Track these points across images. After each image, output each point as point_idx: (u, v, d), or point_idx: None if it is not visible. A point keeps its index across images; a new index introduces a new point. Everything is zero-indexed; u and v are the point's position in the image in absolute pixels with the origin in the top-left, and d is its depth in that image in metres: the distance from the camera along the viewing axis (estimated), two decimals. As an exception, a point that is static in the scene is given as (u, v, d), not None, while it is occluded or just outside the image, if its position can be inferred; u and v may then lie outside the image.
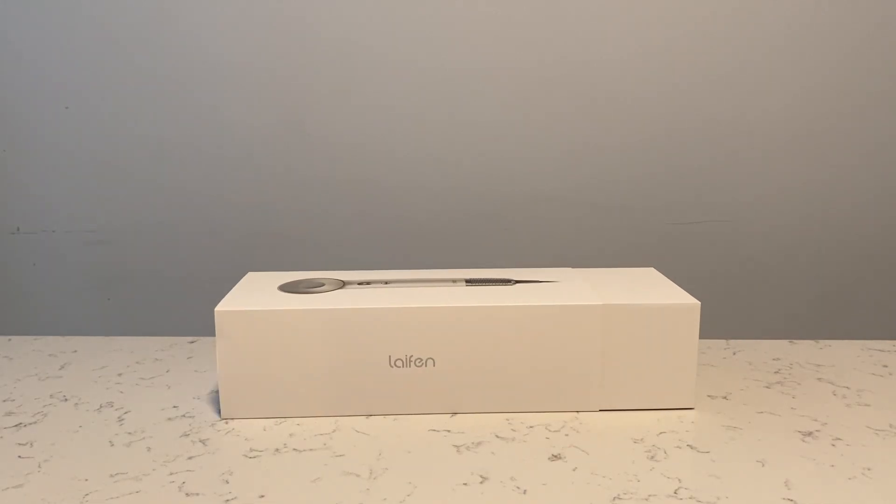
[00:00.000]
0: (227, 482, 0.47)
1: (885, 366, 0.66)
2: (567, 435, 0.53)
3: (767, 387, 0.61)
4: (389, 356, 0.55)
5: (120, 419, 0.56)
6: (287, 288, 0.60)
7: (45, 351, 0.70)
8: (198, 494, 0.45)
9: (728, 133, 0.88)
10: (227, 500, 0.45)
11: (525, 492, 0.46)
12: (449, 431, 0.54)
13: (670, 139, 0.88)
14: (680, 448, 0.51)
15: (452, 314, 0.55)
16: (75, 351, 0.70)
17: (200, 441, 0.52)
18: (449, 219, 0.91)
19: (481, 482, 0.47)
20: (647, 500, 0.45)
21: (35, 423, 0.55)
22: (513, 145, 0.89)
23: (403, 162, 0.90)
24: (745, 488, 0.46)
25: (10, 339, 0.73)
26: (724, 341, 0.71)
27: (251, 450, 0.51)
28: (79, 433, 0.54)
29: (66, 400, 0.59)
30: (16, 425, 0.55)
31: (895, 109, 0.87)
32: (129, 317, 0.94)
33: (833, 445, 0.51)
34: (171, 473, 0.48)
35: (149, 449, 0.51)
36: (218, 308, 0.55)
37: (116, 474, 0.48)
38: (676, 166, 0.89)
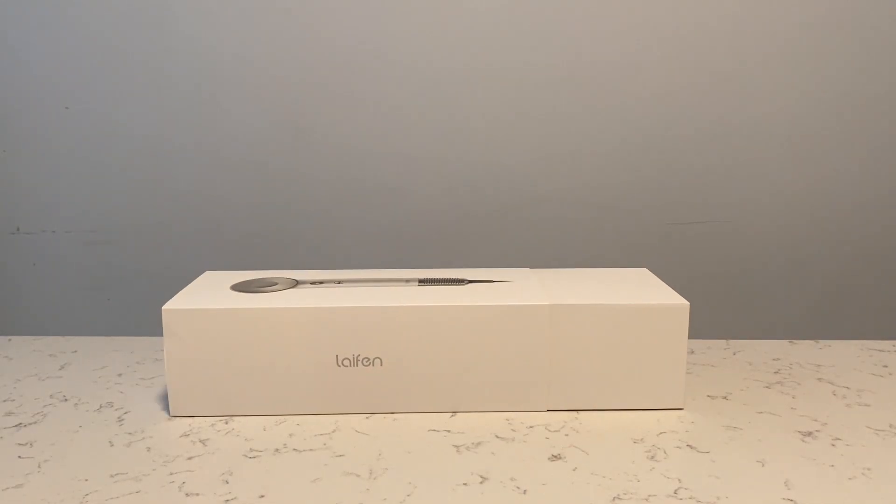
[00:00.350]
0: (227, 482, 0.47)
1: (885, 366, 0.66)
2: (567, 435, 0.53)
3: (767, 387, 0.61)
4: (336, 356, 0.55)
5: (120, 419, 0.56)
6: (239, 287, 0.60)
7: (45, 351, 0.70)
8: (198, 494, 0.45)
9: (728, 133, 0.88)
10: (227, 500, 0.45)
11: (525, 492, 0.46)
12: (449, 431, 0.54)
13: (670, 139, 0.88)
14: (680, 448, 0.51)
15: (399, 314, 0.55)
16: (75, 351, 0.70)
17: (200, 441, 0.52)
18: (448, 219, 0.91)
19: (481, 482, 0.47)
20: (647, 500, 0.45)
21: (35, 423, 0.55)
22: (511, 146, 0.89)
23: (401, 162, 0.90)
24: (745, 488, 0.46)
25: (10, 339, 0.73)
26: (724, 341, 0.71)
27: (251, 450, 0.51)
28: (79, 433, 0.54)
29: (66, 400, 0.59)
30: (16, 425, 0.55)
31: (894, 110, 0.87)
32: (130, 317, 0.94)
33: (833, 445, 0.51)
34: (171, 473, 0.48)
35: (149, 449, 0.51)
36: (165, 307, 0.55)
37: (116, 474, 0.48)
38: (676, 166, 0.89)
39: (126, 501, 0.45)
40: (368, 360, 0.55)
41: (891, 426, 0.54)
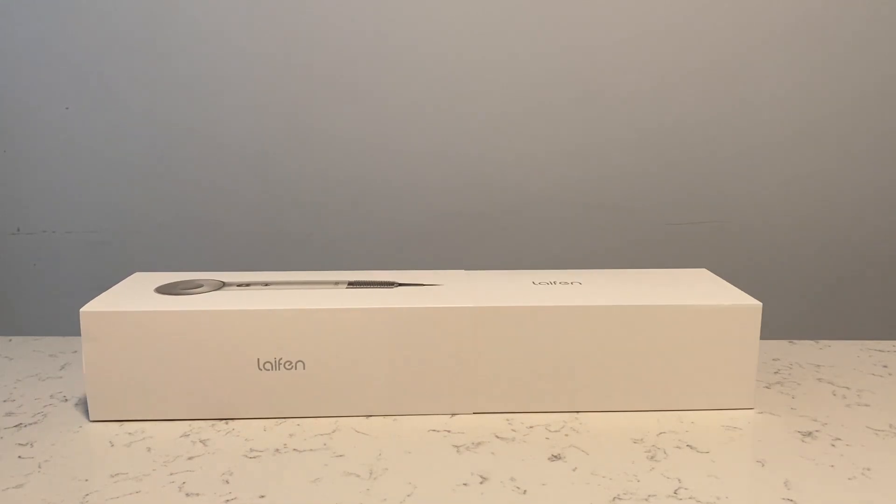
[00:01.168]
0: (228, 482, 0.47)
1: (885, 366, 0.66)
2: (567, 435, 0.53)
3: (767, 387, 0.61)
4: (258, 359, 0.54)
5: (120, 419, 0.56)
6: (163, 289, 0.59)
7: (45, 351, 0.70)
8: (198, 495, 0.45)
9: (728, 133, 0.88)
10: (228, 501, 0.45)
11: (525, 492, 0.46)
12: (449, 432, 0.54)
13: (669, 139, 0.88)
14: (680, 448, 0.51)
15: (321, 316, 0.54)
16: (75, 351, 0.70)
17: (200, 441, 0.52)
18: (448, 219, 0.91)
19: (481, 482, 0.47)
20: (647, 500, 0.45)
21: (35, 423, 0.55)
22: (511, 145, 0.89)
23: (401, 162, 0.90)
24: (745, 488, 0.46)
25: (10, 340, 0.73)
26: (723, 341, 0.71)
27: (251, 450, 0.51)
28: (79, 433, 0.54)
29: (66, 400, 0.59)
30: (16, 425, 0.55)
31: (894, 108, 0.87)
32: (129, 317, 0.94)
33: (833, 445, 0.51)
34: (172, 474, 0.48)
35: (149, 449, 0.51)
36: (83, 309, 0.54)
37: (116, 474, 0.48)
38: (676, 166, 0.89)
39: (126, 501, 0.45)
40: (290, 363, 0.54)
41: (891, 426, 0.54)
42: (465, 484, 0.46)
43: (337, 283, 0.60)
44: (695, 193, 0.89)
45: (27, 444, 0.52)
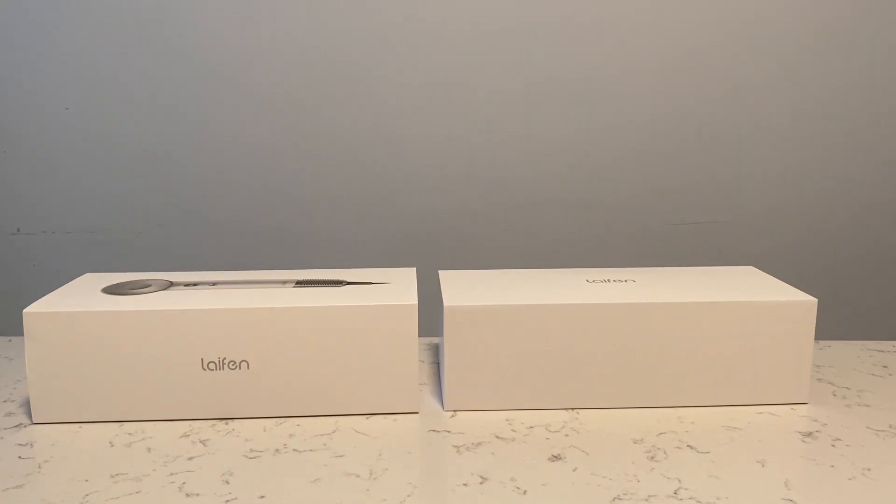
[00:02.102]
0: (228, 482, 0.47)
1: (885, 366, 0.66)
2: (567, 435, 0.53)
3: (767, 387, 0.61)
4: (202, 359, 0.54)
5: (120, 420, 0.56)
6: (110, 290, 0.58)
7: (46, 351, 0.70)
8: (198, 495, 0.45)
9: (728, 133, 0.88)
10: (228, 501, 0.45)
11: (525, 492, 0.46)
12: (449, 432, 0.54)
13: (669, 140, 0.88)
14: (680, 448, 0.51)
15: (265, 316, 0.54)
16: (75, 351, 0.70)
17: (200, 441, 0.52)
18: (450, 219, 0.91)
19: (481, 482, 0.47)
20: (647, 500, 0.45)
21: (35, 423, 0.55)
22: (512, 146, 0.89)
23: (401, 162, 0.90)
24: (745, 489, 0.46)
25: (10, 340, 0.74)
26: (723, 341, 0.71)
27: (251, 450, 0.51)
28: (79, 433, 0.54)
29: (66, 400, 0.59)
30: (16, 426, 0.55)
31: (893, 111, 0.87)
32: (129, 317, 0.94)
33: (833, 446, 0.51)
34: (172, 474, 0.48)
35: (149, 449, 0.51)
36: (27, 310, 0.54)
37: (116, 475, 0.48)
38: (675, 167, 0.89)
39: (126, 502, 0.45)
40: (234, 363, 0.54)
41: (891, 426, 0.54)
42: (465, 484, 0.46)
43: (285, 282, 0.60)
44: (695, 193, 0.89)
45: (27, 444, 0.52)
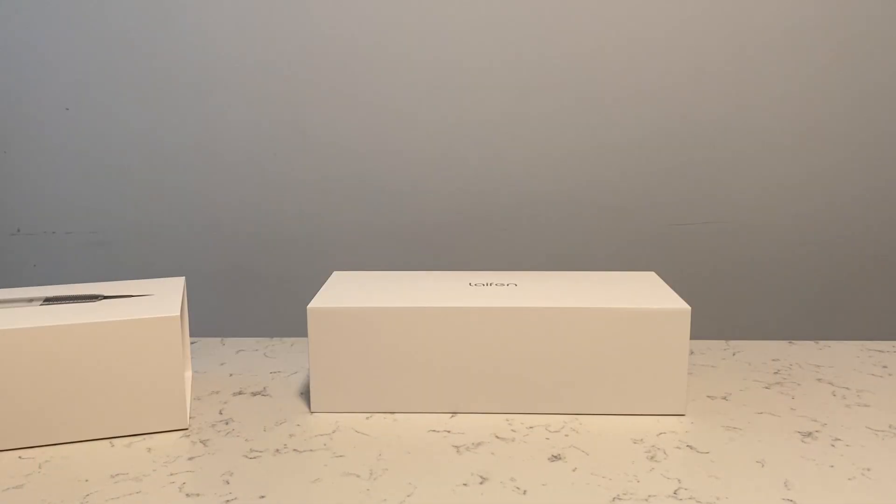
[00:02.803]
0: (228, 483, 0.47)
1: (885, 366, 0.66)
2: (567, 435, 0.53)
3: (767, 387, 0.61)
4: None
5: (120, 420, 0.56)
6: None
7: (46, 351, 0.70)
8: (198, 495, 0.45)
9: (728, 134, 0.88)
10: (228, 501, 0.45)
11: (525, 492, 0.46)
12: (449, 432, 0.54)
13: (670, 140, 0.88)
14: (679, 448, 0.51)
15: (8, 339, 0.50)
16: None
17: (201, 442, 0.52)
18: (449, 220, 0.91)
19: (481, 482, 0.47)
20: (646, 500, 0.45)
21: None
22: (512, 147, 0.89)
23: (401, 163, 0.90)
24: (745, 489, 0.46)
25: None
26: (723, 342, 0.71)
27: (251, 450, 0.51)
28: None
29: (66, 400, 0.59)
30: (16, 426, 0.55)
31: (893, 109, 0.87)
32: (129, 317, 0.94)
33: (833, 446, 0.51)
34: (172, 474, 0.48)
35: (149, 450, 0.51)
36: None
37: (117, 475, 0.48)
38: (676, 167, 0.89)
39: (126, 502, 0.45)
40: None
41: (890, 426, 0.54)
42: (464, 484, 0.46)
43: (31, 299, 0.57)
44: (695, 194, 0.89)
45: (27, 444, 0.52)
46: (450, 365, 0.56)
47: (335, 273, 0.66)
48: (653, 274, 0.65)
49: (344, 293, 0.59)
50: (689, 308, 0.55)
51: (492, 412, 0.56)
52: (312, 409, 0.57)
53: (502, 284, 0.61)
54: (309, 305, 0.56)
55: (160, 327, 0.52)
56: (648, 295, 0.58)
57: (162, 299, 0.56)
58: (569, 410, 0.56)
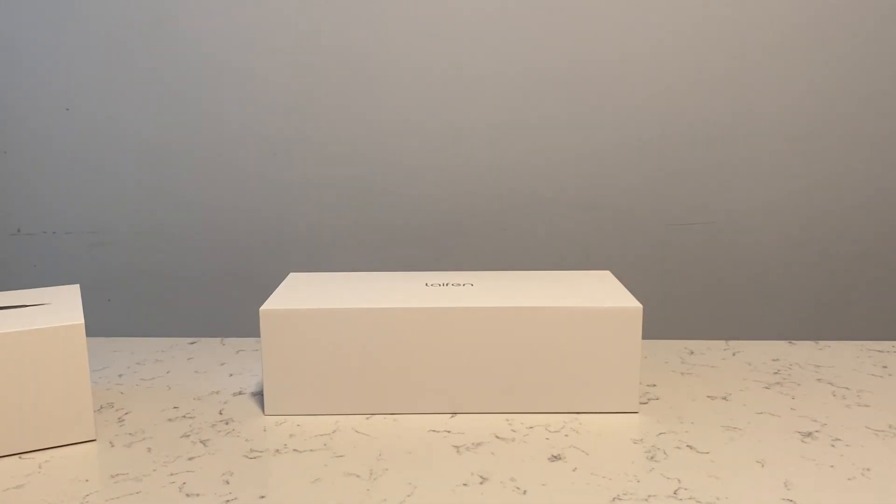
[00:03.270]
0: (228, 483, 0.47)
1: (885, 366, 0.66)
2: (567, 435, 0.53)
3: (767, 387, 0.61)
4: None
5: (120, 419, 0.56)
6: None
7: (46, 351, 0.70)
8: (198, 495, 0.45)
9: (727, 134, 0.88)
10: (228, 501, 0.45)
11: (525, 492, 0.46)
12: (449, 432, 0.54)
13: (669, 141, 0.88)
14: (679, 448, 0.51)
15: None
16: (75, 351, 0.70)
17: (201, 442, 0.52)
18: (449, 221, 0.91)
19: (481, 482, 0.47)
20: (646, 500, 0.45)
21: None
22: (511, 148, 0.89)
23: (401, 164, 0.90)
24: (745, 488, 0.46)
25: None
26: (723, 342, 0.71)
27: (251, 450, 0.51)
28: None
29: (66, 400, 0.59)
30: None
31: (893, 110, 0.87)
32: (130, 317, 0.94)
33: (833, 446, 0.51)
34: (172, 474, 0.48)
35: (149, 450, 0.51)
36: None
37: (117, 475, 0.48)
38: (675, 168, 0.89)
39: (126, 502, 0.45)
40: None
41: (890, 426, 0.54)
42: (465, 484, 0.46)
43: None
44: (695, 195, 0.89)
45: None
46: (394, 365, 0.55)
47: (291, 274, 0.65)
48: (608, 273, 0.65)
49: (298, 295, 0.59)
50: (641, 306, 0.55)
51: (436, 412, 0.56)
52: (266, 412, 0.56)
53: (458, 284, 0.60)
54: (262, 307, 0.55)
55: (64, 336, 0.50)
56: (601, 294, 0.58)
57: (61, 308, 0.54)
58: (516, 409, 0.56)
